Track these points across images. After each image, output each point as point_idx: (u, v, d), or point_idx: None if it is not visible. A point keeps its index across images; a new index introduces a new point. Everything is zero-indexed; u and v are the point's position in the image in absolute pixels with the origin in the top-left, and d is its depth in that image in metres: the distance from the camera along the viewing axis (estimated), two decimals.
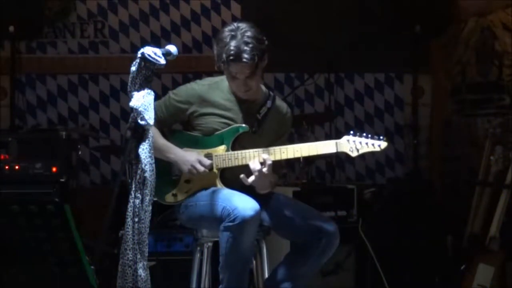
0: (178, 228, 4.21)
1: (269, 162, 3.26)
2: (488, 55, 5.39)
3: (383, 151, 3.22)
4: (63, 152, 4.79)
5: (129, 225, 2.92)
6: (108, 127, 5.89)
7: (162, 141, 3.42)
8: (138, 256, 2.91)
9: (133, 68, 2.94)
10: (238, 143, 3.41)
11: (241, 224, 3.13)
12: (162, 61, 2.97)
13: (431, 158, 6.04)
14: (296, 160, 4.91)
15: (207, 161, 3.37)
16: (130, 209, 2.93)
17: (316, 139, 4.52)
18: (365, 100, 6.11)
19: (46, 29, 5.80)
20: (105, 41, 5.91)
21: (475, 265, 4.28)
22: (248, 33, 3.27)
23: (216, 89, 3.45)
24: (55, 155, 4.76)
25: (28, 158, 4.73)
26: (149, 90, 2.97)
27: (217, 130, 3.41)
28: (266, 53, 3.33)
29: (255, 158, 3.30)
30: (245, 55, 3.23)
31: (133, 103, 2.93)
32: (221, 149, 3.40)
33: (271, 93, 3.53)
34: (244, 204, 3.17)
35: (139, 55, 2.94)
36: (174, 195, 3.45)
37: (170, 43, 3.12)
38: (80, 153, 5.14)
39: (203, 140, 3.44)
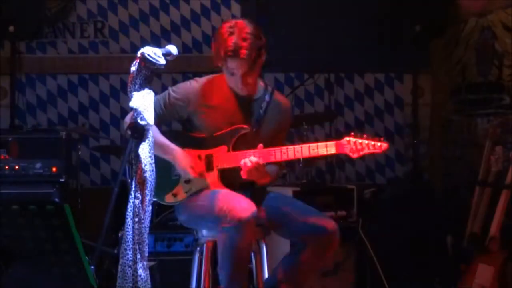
0: (178, 228, 4.21)
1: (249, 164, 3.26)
2: (488, 55, 5.38)
3: (384, 152, 3.23)
4: (63, 152, 4.80)
5: (129, 225, 2.92)
6: (108, 127, 5.89)
7: (162, 139, 3.42)
8: (138, 256, 2.91)
9: (133, 68, 2.94)
10: (239, 142, 3.41)
11: (238, 225, 3.14)
12: (162, 61, 2.97)
13: (431, 158, 6.04)
14: (296, 160, 4.91)
15: (199, 167, 3.38)
16: (130, 209, 2.93)
17: (316, 139, 4.53)
18: (365, 100, 6.11)
19: (46, 29, 5.81)
20: (105, 41, 5.91)
21: (475, 265, 4.28)
22: (246, 29, 3.28)
23: (215, 86, 3.46)
24: (55, 155, 4.77)
25: (28, 158, 4.74)
26: (149, 90, 2.98)
27: (216, 127, 3.42)
28: (264, 49, 3.34)
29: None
30: (243, 51, 3.25)
31: (133, 103, 2.94)
32: (222, 149, 3.41)
33: (268, 87, 3.54)
34: (240, 205, 3.17)
35: (139, 55, 2.95)
36: (174, 195, 3.45)
37: (170, 43, 3.13)
38: (80, 153, 5.15)
39: (204, 140, 3.44)
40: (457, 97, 5.73)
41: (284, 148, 3.31)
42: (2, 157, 4.72)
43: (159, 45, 3.05)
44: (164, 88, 3.45)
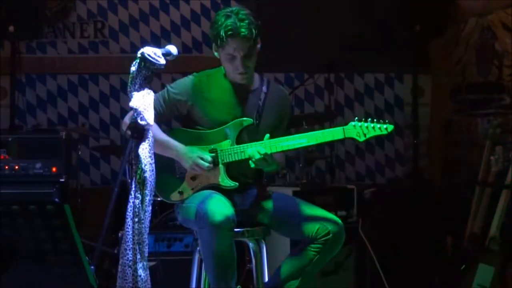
0: (178, 228, 4.21)
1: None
2: (488, 55, 5.38)
3: (390, 134, 3.23)
4: (63, 152, 4.80)
5: (129, 225, 2.92)
6: (108, 127, 5.89)
7: (163, 137, 3.41)
8: (138, 256, 2.91)
9: (133, 68, 2.94)
10: (242, 136, 3.41)
11: (211, 229, 3.14)
12: (162, 61, 2.97)
13: (431, 158, 6.04)
14: (296, 160, 4.91)
15: (208, 157, 3.37)
16: (130, 209, 2.93)
17: None
18: (365, 100, 6.11)
19: (46, 29, 5.81)
20: (105, 41, 5.91)
21: (475, 265, 4.28)
22: (242, 12, 3.32)
23: (213, 79, 3.47)
24: (55, 155, 4.77)
25: (28, 158, 4.74)
26: (149, 90, 2.98)
27: (217, 121, 3.41)
28: (260, 34, 3.34)
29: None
30: (243, 30, 3.27)
31: (133, 103, 2.94)
32: (226, 143, 3.40)
33: (264, 78, 3.54)
34: (215, 209, 3.16)
35: (139, 55, 2.95)
36: (180, 193, 3.43)
37: (170, 43, 3.13)
38: (80, 153, 5.15)
39: (207, 135, 3.43)
40: (457, 97, 5.73)
41: (290, 137, 3.31)
42: (2, 157, 4.72)
43: (159, 45, 3.05)
44: (164, 88, 3.45)
